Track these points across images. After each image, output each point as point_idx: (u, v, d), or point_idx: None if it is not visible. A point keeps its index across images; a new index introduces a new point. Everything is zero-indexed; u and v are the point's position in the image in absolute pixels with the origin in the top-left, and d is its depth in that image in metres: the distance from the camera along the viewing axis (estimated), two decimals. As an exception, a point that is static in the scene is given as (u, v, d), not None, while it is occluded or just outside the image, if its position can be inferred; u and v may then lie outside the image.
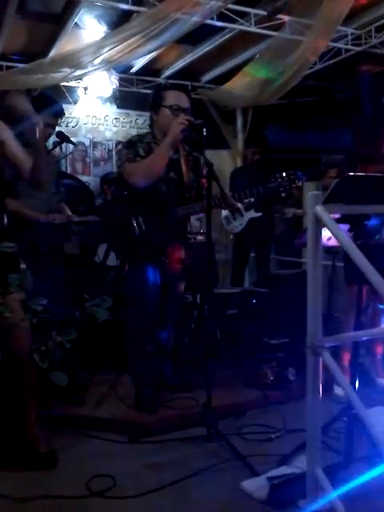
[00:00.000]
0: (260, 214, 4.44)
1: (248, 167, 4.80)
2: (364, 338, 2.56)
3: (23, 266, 2.07)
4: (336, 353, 2.85)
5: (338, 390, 2.81)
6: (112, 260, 3.50)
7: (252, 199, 4.20)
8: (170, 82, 5.51)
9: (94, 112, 5.64)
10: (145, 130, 3.41)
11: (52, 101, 3.06)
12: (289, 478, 1.96)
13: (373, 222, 2.03)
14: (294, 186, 2.64)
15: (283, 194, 2.71)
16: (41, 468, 2.16)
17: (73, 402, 2.73)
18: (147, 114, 3.13)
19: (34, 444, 2.20)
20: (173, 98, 2.67)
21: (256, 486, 1.99)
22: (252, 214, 4.42)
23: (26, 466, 2.17)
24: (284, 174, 2.65)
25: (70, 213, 3.22)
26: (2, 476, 2.12)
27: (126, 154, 2.67)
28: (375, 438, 1.37)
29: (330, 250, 3.37)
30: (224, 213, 4.53)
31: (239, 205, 2.72)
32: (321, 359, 1.52)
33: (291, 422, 2.55)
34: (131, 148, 2.68)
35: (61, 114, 3.16)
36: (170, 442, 2.40)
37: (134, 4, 3.81)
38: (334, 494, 1.52)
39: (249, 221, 4.46)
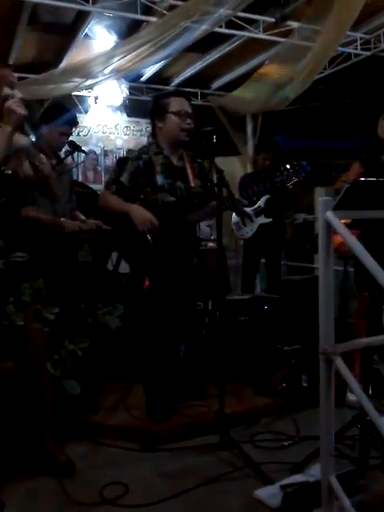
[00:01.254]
0: (270, 219, 4.43)
1: (258, 172, 4.80)
2: (377, 344, 2.53)
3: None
4: (349, 359, 2.82)
5: (351, 397, 2.78)
6: (124, 267, 3.51)
7: (262, 204, 4.25)
8: (179, 89, 5.54)
9: (105, 121, 5.69)
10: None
11: (66, 110, 3.11)
12: (302, 486, 1.94)
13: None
14: (299, 175, 2.64)
15: (290, 185, 2.70)
16: (61, 476, 2.17)
17: (85, 410, 2.73)
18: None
19: (53, 453, 2.22)
20: (177, 104, 2.69)
21: (269, 494, 1.97)
22: (262, 219, 4.41)
23: (45, 474, 2.18)
24: (288, 166, 2.64)
25: (83, 217, 3.23)
26: (16, 484, 2.13)
27: (112, 172, 2.79)
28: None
29: (341, 256, 3.35)
30: (234, 219, 4.53)
31: (248, 209, 2.72)
32: (334, 366, 1.50)
33: (304, 429, 2.53)
34: (120, 168, 2.74)
35: (75, 122, 3.18)
36: (183, 449, 2.39)
37: (143, 14, 3.85)
38: (348, 503, 1.50)
39: (259, 227, 4.46)
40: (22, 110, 1.96)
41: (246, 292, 4.39)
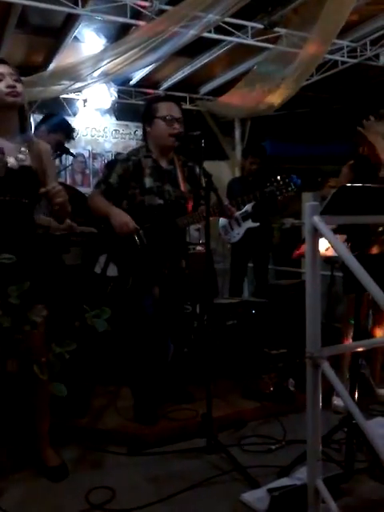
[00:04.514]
0: (258, 223, 4.46)
1: (245, 177, 4.83)
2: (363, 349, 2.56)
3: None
4: (336, 363, 2.84)
5: (336, 401, 2.80)
6: (112, 270, 3.50)
7: (249, 209, 4.27)
8: (168, 93, 5.56)
9: (94, 124, 5.68)
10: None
11: (68, 125, 3.37)
12: (289, 490, 1.94)
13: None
14: (289, 189, 2.66)
15: (279, 197, 2.73)
16: (54, 480, 2.16)
17: (73, 414, 2.71)
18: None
19: (43, 456, 2.22)
20: (165, 109, 2.71)
21: (256, 497, 1.98)
22: (249, 223, 4.44)
23: (34, 478, 2.17)
24: (279, 178, 2.67)
25: (69, 221, 3.24)
26: (1, 489, 2.10)
27: (102, 174, 2.83)
28: (376, 450, 1.37)
29: (328, 260, 3.38)
30: (222, 222, 4.55)
31: (236, 213, 2.74)
32: (320, 369, 1.51)
33: (291, 432, 2.54)
34: (109, 169, 2.77)
35: (72, 137, 3.48)
36: (170, 453, 2.38)
37: (132, 18, 3.86)
38: (335, 506, 1.51)
39: (246, 231, 4.48)
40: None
41: (233, 296, 4.40)
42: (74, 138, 3.59)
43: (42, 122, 3.32)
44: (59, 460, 2.25)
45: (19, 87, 2.06)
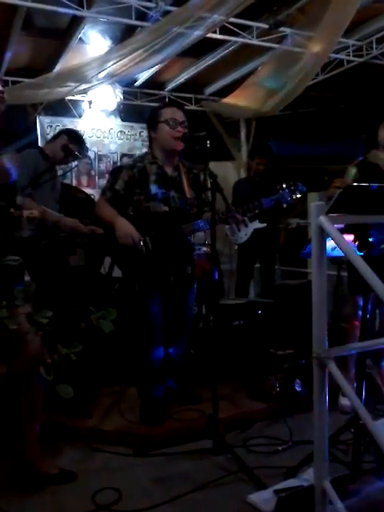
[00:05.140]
0: (264, 224, 4.45)
1: (251, 178, 4.82)
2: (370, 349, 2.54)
3: (28, 278, 2.06)
4: (342, 363, 2.83)
5: (343, 401, 2.78)
6: (117, 271, 3.51)
7: (256, 211, 4.26)
8: (173, 95, 5.57)
9: (99, 125, 5.69)
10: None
11: (84, 143, 3.44)
12: (296, 491, 1.94)
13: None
14: (294, 197, 2.67)
15: (284, 205, 2.73)
16: (45, 486, 2.10)
17: (80, 415, 2.72)
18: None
19: (38, 467, 2.13)
20: (168, 113, 2.72)
21: (263, 498, 1.97)
22: (256, 224, 4.43)
23: (24, 485, 2.11)
24: (284, 186, 2.67)
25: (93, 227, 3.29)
26: (8, 490, 2.11)
27: (107, 181, 2.83)
28: (383, 450, 1.36)
29: (334, 261, 3.37)
30: (228, 224, 4.55)
31: (242, 217, 2.74)
32: (327, 370, 1.51)
33: (298, 433, 2.53)
34: (114, 176, 2.77)
35: (85, 156, 3.81)
36: (176, 454, 2.38)
37: (137, 19, 3.86)
38: (342, 507, 1.50)
39: (253, 231, 4.47)
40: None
41: (240, 296, 4.40)
42: (83, 158, 3.67)
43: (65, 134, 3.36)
44: (56, 468, 2.17)
45: (6, 93, 2.01)
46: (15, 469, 2.18)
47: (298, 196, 2.70)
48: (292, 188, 2.66)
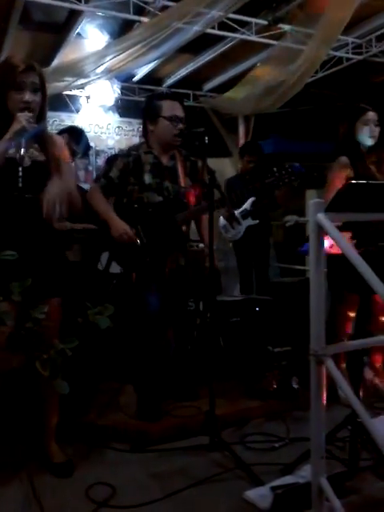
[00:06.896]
0: (257, 221, 4.45)
1: (242, 176, 4.80)
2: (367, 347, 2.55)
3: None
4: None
5: (342, 393, 2.78)
6: (114, 267, 3.50)
7: (248, 207, 4.26)
8: (171, 90, 5.54)
9: (97, 120, 5.67)
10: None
11: (86, 139, 3.52)
12: (293, 488, 1.94)
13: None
14: (292, 178, 2.60)
15: (282, 187, 2.66)
16: (59, 476, 2.18)
17: (76, 411, 2.71)
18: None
19: (49, 452, 2.24)
20: (169, 108, 2.68)
21: (259, 495, 1.97)
22: (249, 221, 4.43)
23: (36, 474, 2.17)
24: (280, 168, 2.61)
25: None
26: (3, 484, 2.10)
27: (102, 169, 2.82)
28: (380, 448, 1.36)
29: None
30: (222, 221, 4.53)
31: (236, 212, 2.73)
32: (324, 367, 1.51)
33: (295, 430, 2.53)
34: (110, 164, 2.76)
35: (86, 153, 3.81)
36: (173, 450, 2.38)
37: (135, 14, 3.84)
38: (339, 504, 1.50)
39: (247, 228, 4.47)
40: (29, 126, 1.98)
41: (245, 293, 4.41)
42: (86, 155, 3.67)
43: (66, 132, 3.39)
44: (64, 457, 2.25)
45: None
46: (28, 459, 2.24)
47: (296, 178, 2.60)
48: (289, 169, 2.58)
